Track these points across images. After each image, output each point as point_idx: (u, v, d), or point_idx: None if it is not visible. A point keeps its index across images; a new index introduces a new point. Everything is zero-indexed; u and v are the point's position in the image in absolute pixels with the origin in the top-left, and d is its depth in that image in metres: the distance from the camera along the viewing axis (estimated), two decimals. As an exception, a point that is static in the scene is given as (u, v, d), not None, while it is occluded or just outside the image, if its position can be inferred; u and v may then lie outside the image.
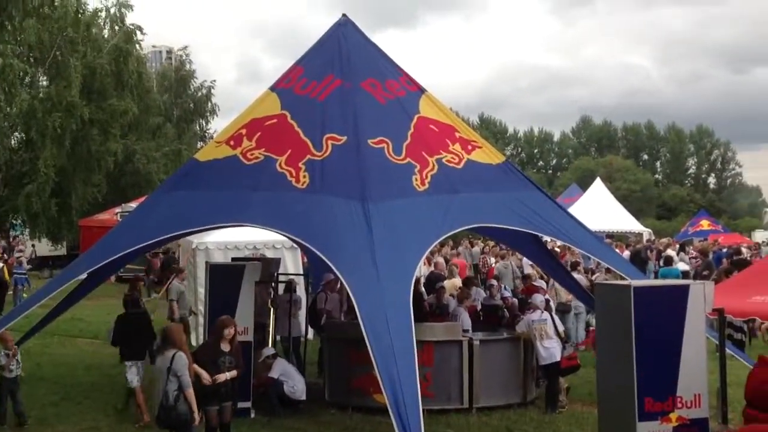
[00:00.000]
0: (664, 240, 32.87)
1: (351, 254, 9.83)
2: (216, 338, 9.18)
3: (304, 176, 10.76)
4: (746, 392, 8.09)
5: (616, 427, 7.07)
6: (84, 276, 11.84)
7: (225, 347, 9.07)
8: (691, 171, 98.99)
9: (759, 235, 62.37)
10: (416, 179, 10.85)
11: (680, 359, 6.91)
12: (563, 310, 15.24)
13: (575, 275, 16.35)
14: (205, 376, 8.34)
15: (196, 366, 8.60)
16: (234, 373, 9.00)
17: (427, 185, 10.87)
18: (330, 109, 11.54)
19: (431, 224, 10.46)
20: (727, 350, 11.33)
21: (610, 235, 37.06)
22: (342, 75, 11.83)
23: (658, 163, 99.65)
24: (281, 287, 14.90)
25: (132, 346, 11.36)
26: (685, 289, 7.10)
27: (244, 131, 11.57)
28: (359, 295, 9.27)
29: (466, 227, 11.81)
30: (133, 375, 11.22)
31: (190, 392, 8.14)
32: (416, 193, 10.74)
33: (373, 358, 8.56)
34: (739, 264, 16.38)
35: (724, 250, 27.77)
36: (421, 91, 12.23)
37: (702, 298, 7.06)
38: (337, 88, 11.73)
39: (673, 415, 6.80)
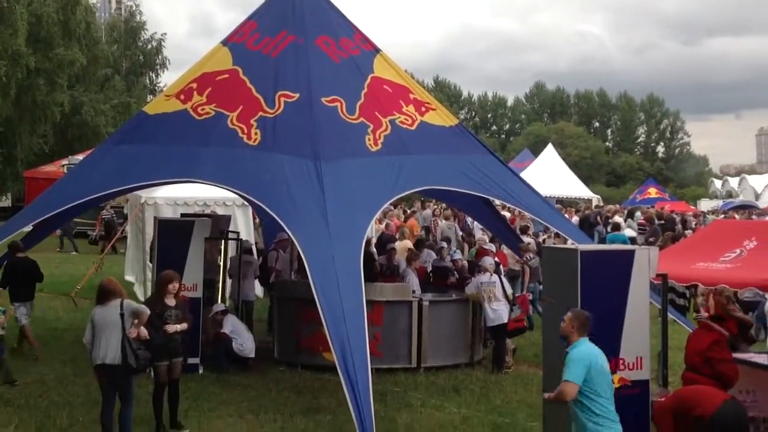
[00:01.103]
0: (612, 207, 33.32)
1: (302, 213, 9.78)
2: (160, 293, 9.08)
3: (256, 133, 10.63)
4: (686, 356, 8.32)
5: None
6: (29, 228, 11.60)
7: (170, 302, 8.98)
8: (640, 139, 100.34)
9: (705, 204, 63.77)
10: (369, 139, 10.80)
11: (624, 322, 7.03)
12: (513, 275, 15.42)
13: (524, 238, 16.55)
14: (143, 333, 8.18)
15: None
16: (184, 325, 8.91)
17: (380, 145, 10.83)
18: (283, 66, 11.38)
19: (383, 185, 10.44)
20: (670, 315, 11.67)
21: (561, 201, 37.52)
22: (296, 31, 11.66)
23: (609, 131, 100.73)
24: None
25: (20, 288, 12.22)
26: (630, 254, 7.21)
27: (194, 85, 11.35)
28: (309, 254, 9.25)
29: (418, 189, 11.82)
30: (21, 314, 12.13)
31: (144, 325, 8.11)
32: (369, 153, 10.70)
33: (322, 317, 8.58)
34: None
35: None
36: (376, 50, 12.13)
37: (647, 264, 7.18)
38: (290, 44, 11.56)
39: (615, 377, 6.90)
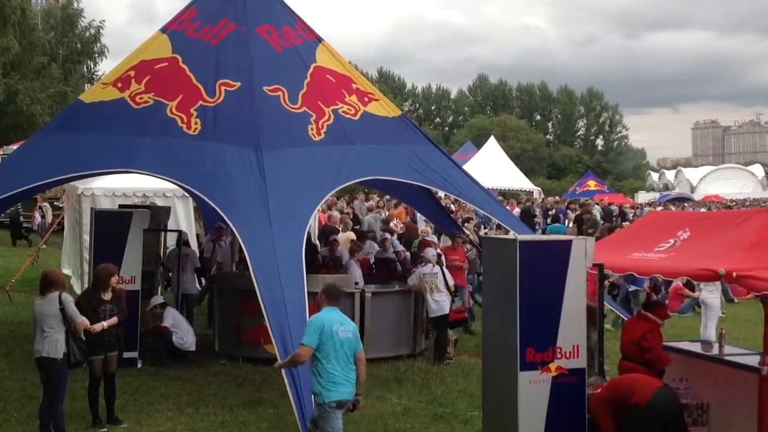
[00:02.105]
0: (551, 198, 33.83)
1: (243, 203, 9.70)
2: (96, 287, 8.90)
3: (196, 122, 10.51)
4: (621, 345, 8.48)
5: (499, 377, 7.26)
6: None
7: (106, 296, 8.80)
8: (580, 132, 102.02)
9: (642, 197, 65.20)
10: (312, 129, 10.76)
11: (561, 312, 7.11)
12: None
13: (466, 231, 16.66)
14: (79, 328, 8.01)
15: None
16: (113, 320, 8.71)
17: (322, 135, 10.79)
18: (224, 55, 11.26)
19: (326, 175, 10.43)
20: (608, 305, 11.89)
21: (503, 193, 37.87)
22: (237, 19, 11.53)
23: (549, 124, 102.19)
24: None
25: None
26: (567, 244, 7.29)
27: (132, 73, 11.14)
28: (251, 246, 9.18)
29: (361, 179, 11.82)
30: None
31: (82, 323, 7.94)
32: (312, 143, 10.66)
33: (263, 309, 8.52)
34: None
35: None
36: (318, 40, 12.06)
37: (583, 254, 7.27)
38: (231, 32, 11.43)
39: (552, 365, 7.01)
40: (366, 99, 11.74)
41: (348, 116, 11.23)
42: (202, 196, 10.26)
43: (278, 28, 11.66)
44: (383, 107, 11.98)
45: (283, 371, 8.08)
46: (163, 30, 11.79)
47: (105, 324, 8.59)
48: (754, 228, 8.02)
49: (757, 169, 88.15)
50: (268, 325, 8.43)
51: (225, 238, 14.30)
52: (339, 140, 10.80)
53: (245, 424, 8.98)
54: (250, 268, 8.89)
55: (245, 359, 11.64)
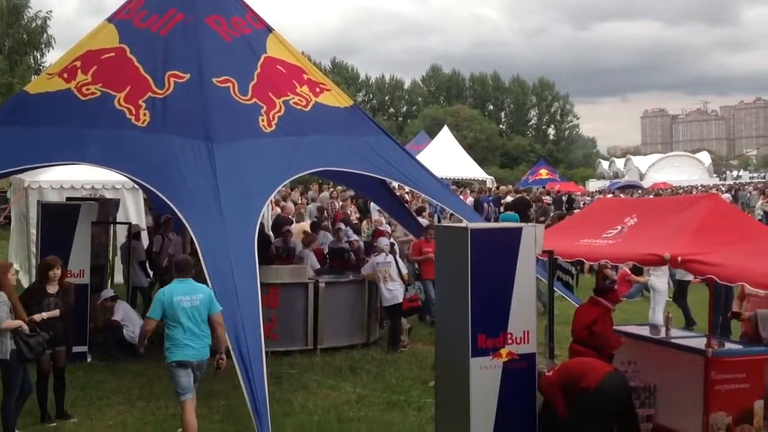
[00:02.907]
0: (504, 188, 34.14)
1: (194, 196, 9.61)
2: (41, 280, 8.75)
3: (145, 114, 10.36)
4: (573, 329, 8.63)
5: (451, 364, 7.33)
6: None
7: (51, 289, 8.66)
8: (532, 122, 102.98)
9: (593, 185, 66.14)
10: (262, 120, 10.68)
11: (512, 298, 7.21)
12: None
13: (421, 220, 16.74)
14: (17, 322, 7.87)
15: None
16: (54, 312, 8.54)
17: (273, 127, 10.72)
18: (172, 45, 11.09)
19: (277, 166, 10.36)
20: (557, 290, 12.06)
21: (456, 182, 38.08)
22: (185, 9, 11.36)
23: (502, 114, 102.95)
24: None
25: None
26: (517, 231, 7.38)
27: (78, 63, 10.94)
28: (202, 238, 9.11)
29: (313, 170, 11.79)
30: None
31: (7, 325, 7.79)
32: (262, 135, 10.59)
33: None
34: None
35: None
36: (269, 30, 11.96)
37: (533, 241, 7.38)
38: (180, 22, 11.26)
39: (503, 351, 7.11)
40: (318, 89, 11.69)
41: (299, 107, 11.17)
42: (152, 188, 10.14)
43: (227, 18, 11.52)
44: (335, 98, 11.94)
45: (236, 363, 8.05)
46: (110, 19, 11.58)
47: (45, 315, 8.42)
48: (698, 213, 8.22)
49: (704, 157, 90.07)
50: (220, 316, 8.36)
51: (174, 231, 14.15)
52: (290, 132, 10.74)
53: (197, 416, 8.91)
54: (202, 260, 8.82)
55: (198, 352, 11.54)
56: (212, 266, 8.72)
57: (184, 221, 9.62)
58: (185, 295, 7.67)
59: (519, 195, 27.80)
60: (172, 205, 9.66)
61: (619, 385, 7.33)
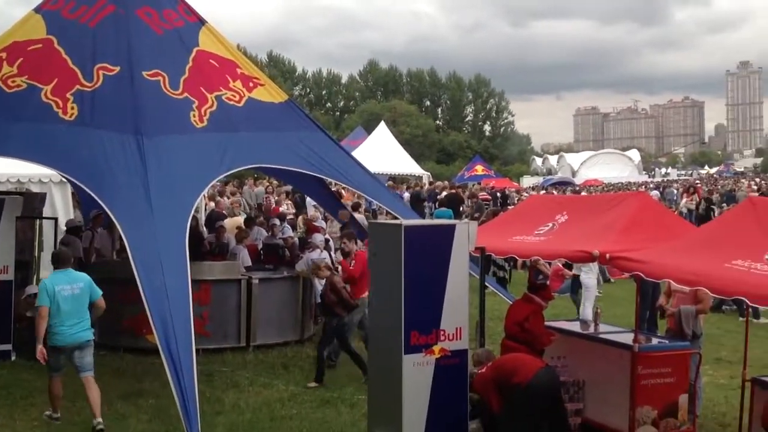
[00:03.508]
0: (440, 183, 34.38)
1: (122, 191, 9.42)
2: None
3: (72, 108, 10.12)
4: (505, 325, 8.72)
5: (384, 361, 7.31)
6: None
7: None
8: (468, 118, 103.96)
9: (527, 181, 67.14)
10: (194, 115, 10.52)
11: (445, 294, 7.25)
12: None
13: (356, 215, 16.73)
14: None
15: None
16: None
17: (205, 122, 10.57)
18: (102, 37, 10.84)
19: (209, 162, 10.23)
20: (491, 286, 12.18)
21: (393, 178, 38.18)
22: (115, 0, 11.11)
23: (439, 110, 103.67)
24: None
25: None
26: (451, 228, 7.42)
27: (4, 55, 10.61)
28: (130, 233, 8.94)
29: (246, 167, 11.66)
30: None
31: None
32: (194, 130, 10.43)
33: (143, 298, 8.32)
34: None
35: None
36: (201, 22, 11.77)
37: (466, 237, 7.42)
38: (109, 14, 11.01)
39: (436, 348, 7.14)
40: (251, 84, 11.55)
41: (232, 103, 11.03)
42: (79, 183, 9.90)
43: (159, 10, 11.30)
44: (269, 93, 11.83)
45: (165, 361, 7.91)
46: (37, 10, 11.25)
47: None
48: (626, 211, 8.40)
49: (634, 154, 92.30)
50: (148, 313, 8.22)
51: (103, 226, 13.84)
52: (222, 127, 10.60)
53: (125, 416, 8.77)
54: (130, 257, 8.65)
55: (125, 349, 11.34)
56: (141, 262, 8.55)
57: (112, 217, 9.42)
58: (66, 284, 8.19)
59: (453, 191, 28.04)
60: (99, 201, 9.46)
61: (549, 381, 7.43)
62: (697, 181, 53.76)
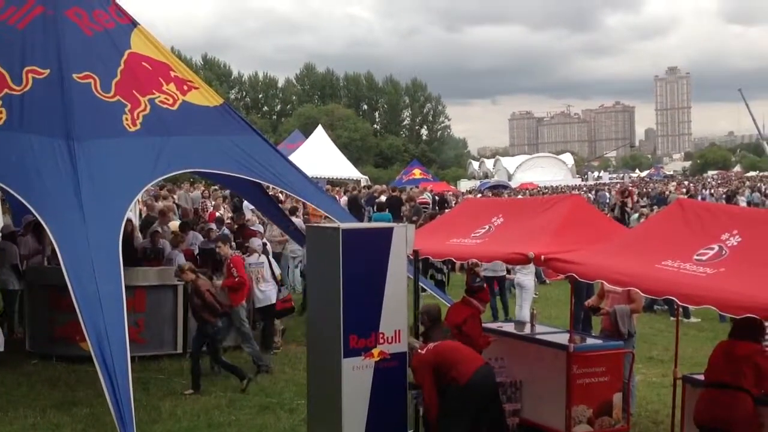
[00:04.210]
0: (378, 187, 34.45)
1: (53, 196, 9.21)
2: None
3: (0, 112, 9.85)
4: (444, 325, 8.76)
5: (323, 365, 7.30)
6: None
7: None
8: (406, 122, 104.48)
9: (464, 184, 67.80)
10: (127, 119, 10.34)
11: (383, 298, 7.26)
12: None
13: (294, 219, 16.64)
14: None
15: None
16: None
17: (138, 126, 10.40)
18: (31, 39, 10.59)
19: (142, 167, 10.07)
20: (429, 289, 12.25)
21: (331, 182, 38.11)
22: (44, 1, 10.85)
23: (376, 114, 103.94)
24: None
25: None
26: (388, 231, 7.44)
27: (-72, 58, 10.26)
28: (62, 240, 8.74)
29: (180, 171, 11.50)
30: None
31: None
32: (127, 134, 10.25)
33: (76, 305, 8.13)
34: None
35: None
36: (133, 24, 11.57)
37: (404, 241, 7.45)
38: (38, 15, 10.75)
39: (375, 351, 7.14)
40: (185, 87, 11.40)
41: (165, 106, 10.87)
42: (7, 189, 9.63)
43: (89, 12, 11.06)
44: (203, 96, 11.68)
45: (99, 369, 7.75)
46: (-37, 11, 10.91)
47: None
48: (560, 213, 8.53)
49: (568, 158, 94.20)
50: (81, 321, 8.04)
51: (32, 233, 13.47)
52: (156, 131, 10.44)
53: (59, 425, 8.56)
54: (62, 263, 8.45)
55: (59, 358, 11.10)
56: (72, 269, 8.37)
57: (42, 223, 9.19)
58: None
59: (394, 194, 28.13)
60: (29, 207, 9.22)
61: (488, 381, 7.48)
62: (629, 185, 54.91)
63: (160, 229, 14.51)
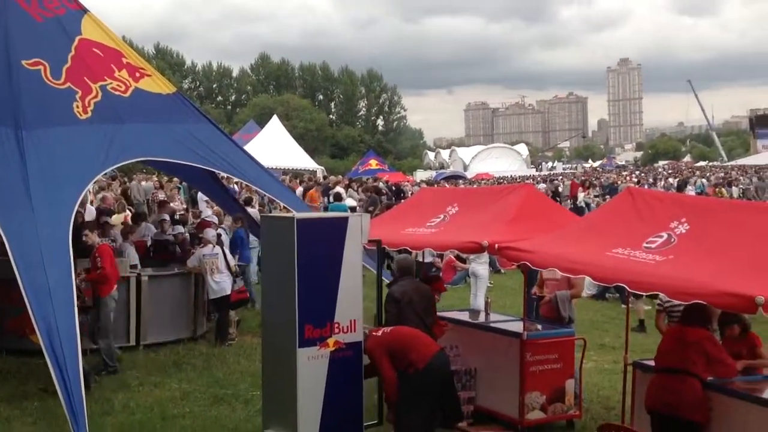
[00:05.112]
0: (334, 177, 34.38)
1: (1, 187, 8.97)
2: None
3: (-54, 99, 9.57)
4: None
5: (278, 355, 7.27)
6: None
7: None
8: (362, 113, 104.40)
9: (420, 175, 67.96)
10: (77, 106, 10.13)
11: (339, 287, 7.25)
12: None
13: (249, 210, 16.53)
14: None
15: None
16: None
17: (89, 113, 10.20)
18: (-23, 25, 10.28)
19: (93, 156, 9.87)
20: (386, 279, 12.25)
21: (286, 172, 37.91)
22: (-9, -14, 10.58)
23: (332, 104, 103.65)
24: None
25: None
26: (344, 221, 7.43)
27: None
28: (10, 231, 8.55)
29: (133, 160, 11.33)
30: None
31: None
32: (77, 122, 10.05)
33: (26, 298, 7.97)
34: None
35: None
36: (84, 10, 11.33)
37: (359, 230, 7.44)
38: (-15, 1, 10.47)
39: (330, 340, 7.12)
40: (137, 74, 11.21)
41: (117, 93, 10.67)
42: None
43: (38, -3, 10.83)
44: (156, 83, 11.51)
45: (49, 362, 7.62)
46: None
47: None
48: (514, 203, 8.63)
49: (522, 149, 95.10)
50: (31, 314, 7.89)
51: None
52: (107, 118, 10.24)
53: (9, 419, 8.42)
54: (10, 256, 8.26)
55: (8, 351, 10.88)
56: (22, 261, 8.20)
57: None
58: None
59: (374, 184, 28.26)
60: (-25, 197, 8.98)
61: (444, 366, 7.52)
62: (583, 176, 55.58)
63: (109, 221, 14.29)
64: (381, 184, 29.32)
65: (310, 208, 17.25)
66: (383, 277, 8.74)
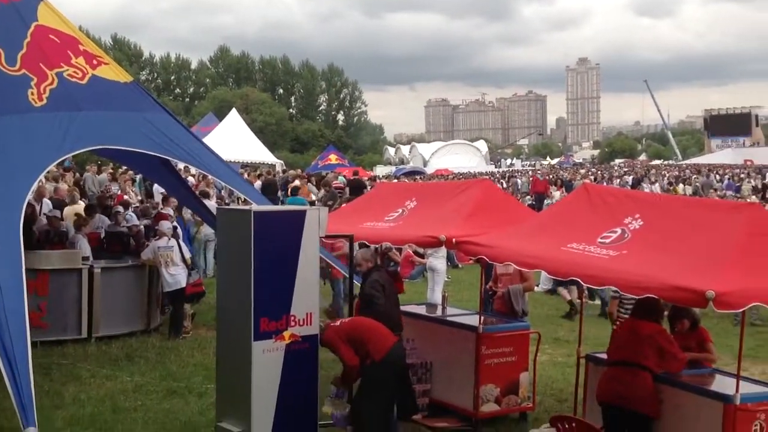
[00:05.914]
0: (293, 172, 34.27)
1: (-51, 175, 8.75)
2: None
3: None
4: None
5: (233, 348, 7.21)
6: None
7: None
8: (322, 107, 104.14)
9: (380, 170, 68.01)
10: (32, 93, 9.89)
11: (295, 280, 7.21)
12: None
13: (207, 202, 16.37)
14: None
15: None
16: None
17: (45, 101, 9.96)
18: (-73, 10, 10.02)
19: (48, 144, 9.64)
20: (345, 274, 12.20)
21: (245, 166, 37.63)
22: (-57, -30, 10.31)
23: (292, 98, 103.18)
24: None
25: None
26: (301, 214, 7.38)
27: None
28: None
29: (89, 148, 11.12)
30: None
31: None
32: (32, 109, 9.81)
33: (-26, 290, 7.78)
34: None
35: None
36: (40, -4, 11.11)
37: (317, 224, 7.41)
38: (-64, -15, 10.20)
39: (286, 333, 7.08)
40: (95, 62, 10.98)
41: (74, 80, 10.44)
42: None
43: (-8, -18, 10.58)
44: (114, 71, 11.31)
45: (-2, 355, 7.45)
46: None
47: None
48: (471, 197, 8.67)
49: (482, 145, 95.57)
50: (-21, 306, 7.70)
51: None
52: (64, 106, 10.01)
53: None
54: (-42, 245, 8.07)
55: (-44, 344, 10.61)
56: (-31, 252, 7.99)
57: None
58: None
59: (358, 176, 28.14)
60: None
61: (402, 359, 7.55)
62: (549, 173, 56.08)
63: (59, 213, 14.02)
64: (341, 179, 29.26)
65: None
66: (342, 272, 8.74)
